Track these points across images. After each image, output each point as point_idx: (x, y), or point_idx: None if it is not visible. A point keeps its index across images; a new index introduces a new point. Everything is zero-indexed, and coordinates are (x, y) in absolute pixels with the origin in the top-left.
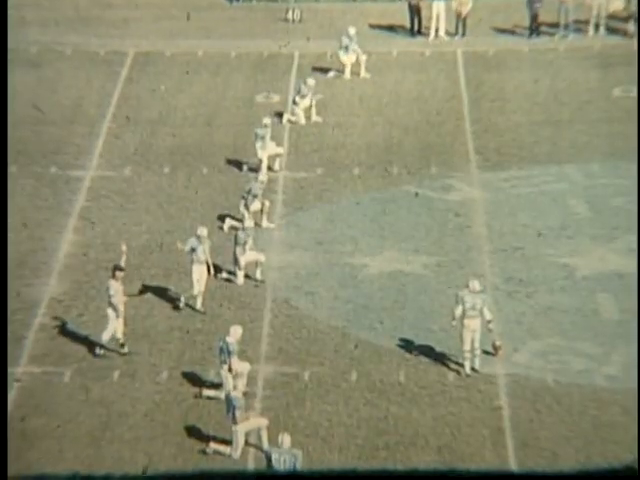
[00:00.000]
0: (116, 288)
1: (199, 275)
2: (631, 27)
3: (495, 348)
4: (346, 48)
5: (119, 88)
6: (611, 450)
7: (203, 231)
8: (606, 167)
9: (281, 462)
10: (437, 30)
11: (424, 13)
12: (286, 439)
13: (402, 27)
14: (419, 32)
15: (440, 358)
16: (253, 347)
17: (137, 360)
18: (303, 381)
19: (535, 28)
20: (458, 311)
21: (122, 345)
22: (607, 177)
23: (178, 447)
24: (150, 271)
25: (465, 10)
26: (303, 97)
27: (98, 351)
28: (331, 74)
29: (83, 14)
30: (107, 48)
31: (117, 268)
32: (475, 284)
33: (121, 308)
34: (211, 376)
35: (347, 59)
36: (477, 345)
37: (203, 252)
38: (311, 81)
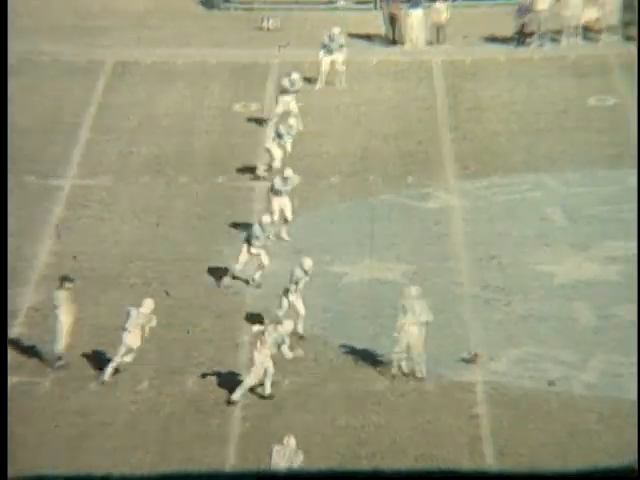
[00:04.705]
0: (62, 299)
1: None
2: (605, 38)
3: (473, 356)
4: (327, 48)
5: (98, 97)
6: (589, 457)
7: (151, 303)
8: (582, 175)
9: (282, 455)
10: (415, 39)
11: (402, 22)
12: (292, 440)
13: (380, 36)
14: (397, 41)
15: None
16: (232, 356)
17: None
18: (282, 390)
19: (521, 37)
20: (404, 320)
21: (59, 358)
22: (583, 185)
23: (158, 456)
24: (129, 280)
25: (442, 19)
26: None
27: (58, 363)
28: (318, 85)
29: (61, 23)
30: (85, 57)
31: (65, 279)
32: (413, 290)
33: (66, 319)
34: (190, 385)
35: (327, 60)
36: (421, 351)
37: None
38: (295, 76)
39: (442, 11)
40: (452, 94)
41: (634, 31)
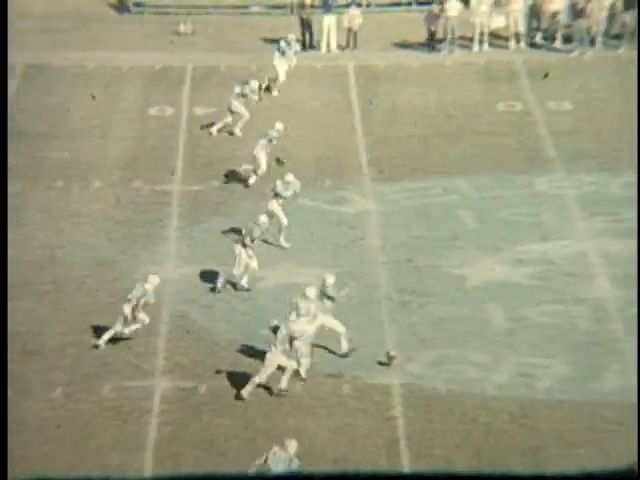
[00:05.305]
0: None
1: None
2: (512, 44)
3: (389, 358)
4: (283, 53)
5: (8, 100)
6: (501, 457)
7: (155, 279)
8: (493, 179)
9: (277, 456)
10: (328, 44)
11: (315, 27)
12: (292, 445)
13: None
14: (311, 46)
15: (335, 369)
16: (149, 361)
17: (30, 377)
18: (200, 395)
19: (432, 43)
20: (292, 317)
21: None
22: (494, 189)
23: (72, 465)
24: (42, 287)
25: (355, 25)
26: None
27: None
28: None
29: None
30: None
31: None
32: (311, 291)
33: None
34: (106, 391)
35: (281, 65)
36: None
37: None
38: (254, 84)
39: (355, 17)
40: (366, 99)
41: (539, 38)
